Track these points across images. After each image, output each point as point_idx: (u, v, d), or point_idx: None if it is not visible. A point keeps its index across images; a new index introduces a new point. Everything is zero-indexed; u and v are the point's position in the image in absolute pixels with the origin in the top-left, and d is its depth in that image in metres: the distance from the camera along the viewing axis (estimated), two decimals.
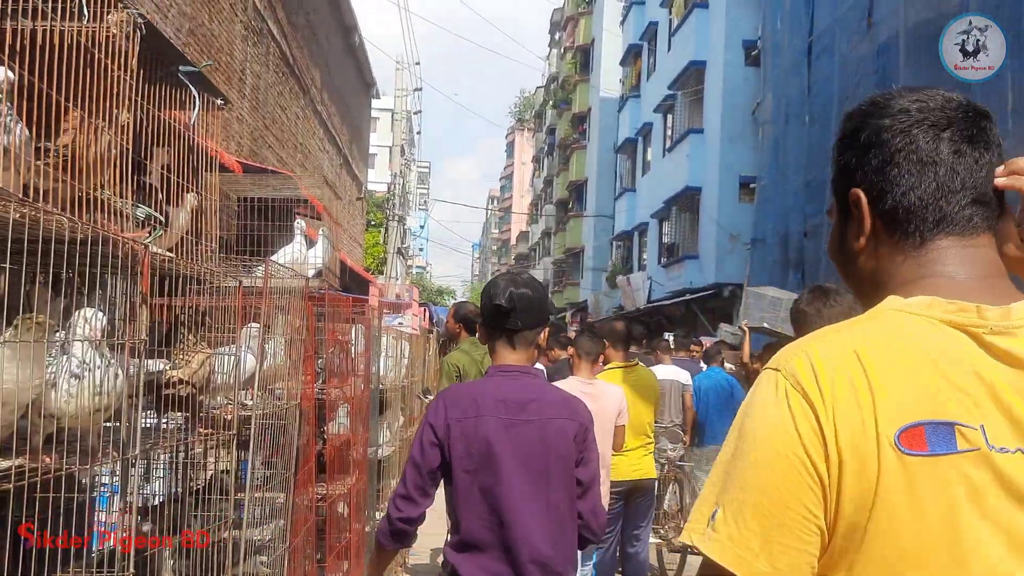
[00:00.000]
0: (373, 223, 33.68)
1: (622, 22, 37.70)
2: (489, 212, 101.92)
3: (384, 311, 9.15)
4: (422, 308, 12.20)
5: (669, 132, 29.14)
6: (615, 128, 38.16)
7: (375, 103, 29.81)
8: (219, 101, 3.03)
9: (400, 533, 2.94)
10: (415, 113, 35.17)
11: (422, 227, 69.08)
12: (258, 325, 3.04)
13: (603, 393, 5.55)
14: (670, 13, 29.00)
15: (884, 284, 1.26)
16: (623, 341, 6.52)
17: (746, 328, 9.68)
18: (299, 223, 4.27)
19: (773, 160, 20.72)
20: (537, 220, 62.77)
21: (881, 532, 1.09)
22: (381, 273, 30.35)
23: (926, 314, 1.17)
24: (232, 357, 2.89)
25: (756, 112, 23.11)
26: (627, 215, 34.17)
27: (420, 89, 33.05)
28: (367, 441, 4.81)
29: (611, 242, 38.24)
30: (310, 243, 4.32)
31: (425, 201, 73.65)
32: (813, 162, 17.85)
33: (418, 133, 40.63)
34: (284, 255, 4.08)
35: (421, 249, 77.47)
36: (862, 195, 1.29)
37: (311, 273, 4.04)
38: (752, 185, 23.17)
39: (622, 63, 37.21)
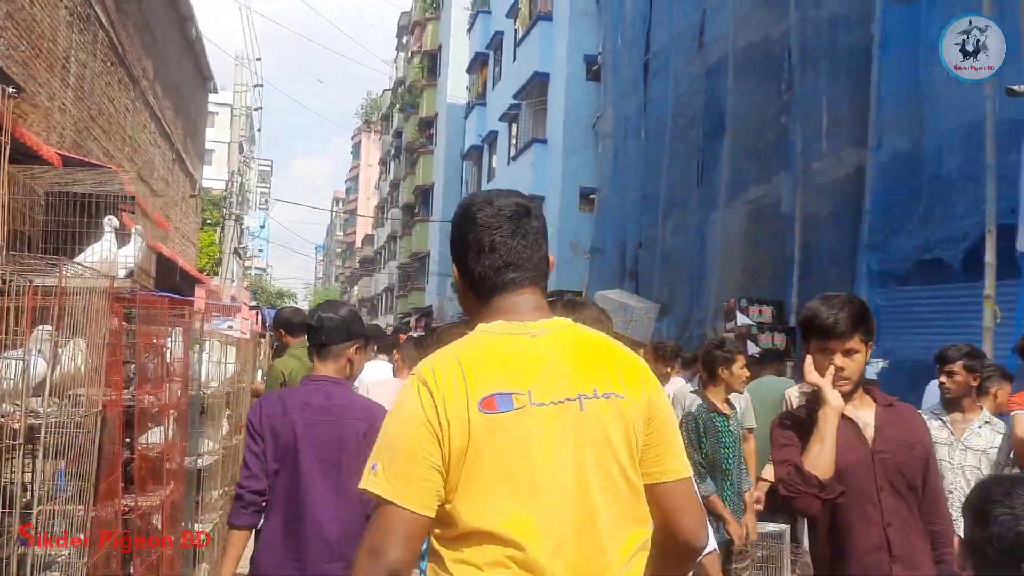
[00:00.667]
0: (209, 222, 32.54)
1: (469, 30, 37.92)
2: (334, 214, 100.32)
3: (212, 314, 8.83)
4: (254, 311, 11.85)
5: (514, 141, 29.52)
6: (462, 134, 38.34)
7: (215, 98, 28.85)
8: (11, 90, 2.85)
9: (249, 504, 3.37)
10: (255, 110, 34.25)
11: (262, 227, 67.28)
12: (50, 327, 2.87)
13: None
14: (515, 24, 29.39)
15: (478, 318, 2.03)
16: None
17: None
18: (109, 220, 4.05)
19: (612, 172, 21.32)
20: (383, 223, 62.26)
21: (475, 464, 1.83)
22: (216, 274, 29.41)
23: (497, 331, 1.97)
24: (20, 361, 2.72)
25: (596, 125, 23.71)
26: None
27: (261, 85, 32.23)
28: (185, 450, 4.63)
29: None
30: (125, 242, 4.12)
31: (266, 200, 71.77)
32: (648, 176, 18.48)
33: (258, 130, 39.58)
34: (92, 253, 3.87)
35: (261, 250, 75.42)
36: (456, 269, 2.10)
37: (122, 273, 3.84)
38: (592, 196, 23.75)
39: (469, 70, 37.43)
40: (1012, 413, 5.16)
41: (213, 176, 38.85)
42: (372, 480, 1.85)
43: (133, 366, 4.04)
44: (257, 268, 78.78)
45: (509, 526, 1.81)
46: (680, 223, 16.91)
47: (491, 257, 2.01)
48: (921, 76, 10.59)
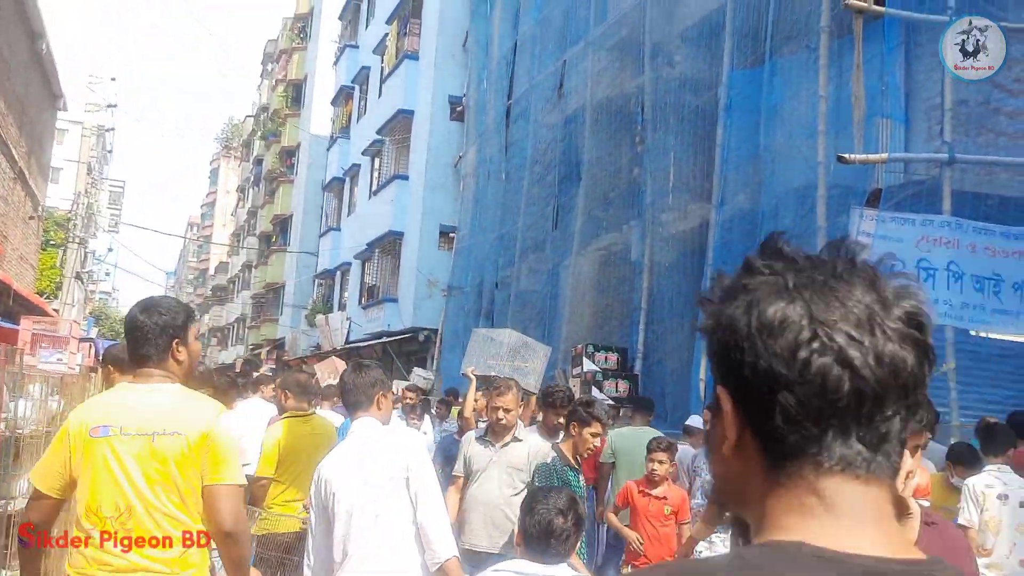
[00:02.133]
0: (52, 243, 30.95)
1: (335, 62, 37.66)
2: (187, 240, 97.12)
3: (41, 345, 8.39)
4: (86, 343, 11.27)
5: (376, 175, 29.38)
6: (324, 166, 37.86)
7: (64, 115, 27.59)
8: None
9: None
10: (107, 131, 32.92)
11: (110, 250, 64.49)
12: None
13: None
14: (382, 61, 29.39)
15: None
16: (305, 392, 6.45)
17: (472, 375, 8.48)
18: None
19: (472, 212, 21.49)
20: (238, 252, 60.65)
21: (83, 473, 3.05)
22: (56, 298, 27.98)
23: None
24: None
25: (458, 165, 23.90)
26: (331, 254, 33.91)
27: (115, 106, 31.01)
28: None
29: (313, 280, 37.73)
30: None
31: (116, 223, 68.89)
32: (506, 218, 18.74)
33: (109, 151, 37.99)
34: None
35: (108, 273, 72.18)
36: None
37: None
38: (451, 234, 23.87)
39: (333, 103, 37.13)
40: None
41: (59, 195, 37.03)
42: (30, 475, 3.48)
43: None
44: (102, 292, 75.24)
45: None
46: (535, 266, 17.19)
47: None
48: (761, 139, 11.19)
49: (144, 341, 3.20)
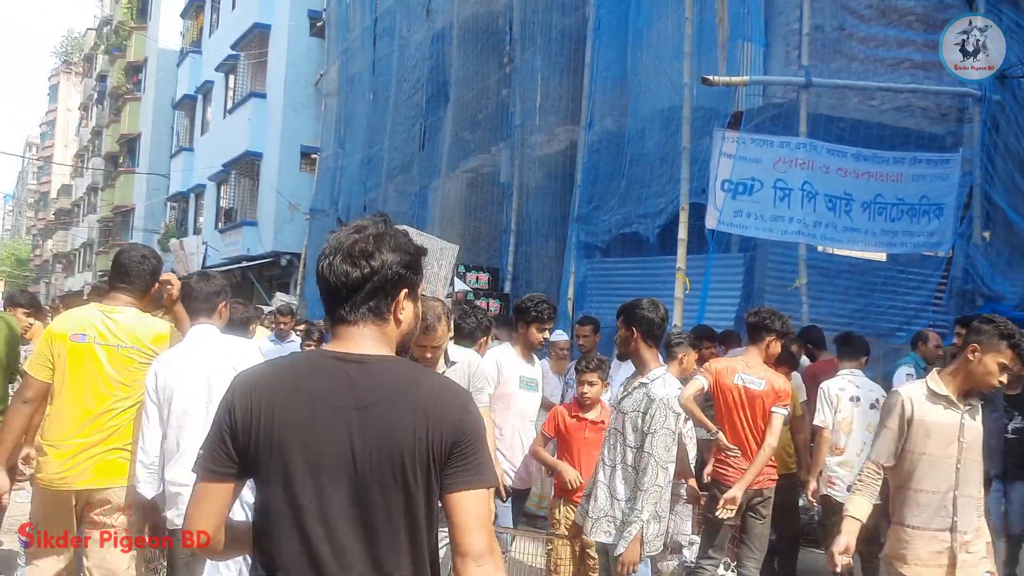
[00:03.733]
0: None
1: None
2: (26, 160, 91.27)
3: None
4: None
5: (231, 93, 28.25)
6: (174, 82, 36.10)
7: None
8: None
9: None
10: None
11: None
12: None
13: None
14: None
15: None
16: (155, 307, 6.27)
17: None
18: None
19: (335, 132, 21.02)
20: (83, 173, 57.45)
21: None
22: None
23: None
24: None
25: (319, 83, 23.24)
26: (183, 175, 32.61)
27: None
28: None
29: (165, 203, 36.25)
30: None
31: None
32: (372, 138, 18.43)
33: None
34: None
35: None
36: None
37: None
38: (313, 156, 23.33)
39: (183, 15, 35.29)
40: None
41: None
42: None
43: None
44: None
45: None
46: (402, 187, 17.03)
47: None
48: (629, 61, 11.33)
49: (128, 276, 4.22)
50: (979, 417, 3.88)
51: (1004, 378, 3.79)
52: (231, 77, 28.26)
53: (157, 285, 4.34)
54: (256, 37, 25.68)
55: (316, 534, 1.92)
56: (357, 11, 20.03)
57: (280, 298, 18.92)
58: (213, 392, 3.92)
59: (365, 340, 2.02)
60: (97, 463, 4.02)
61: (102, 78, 51.11)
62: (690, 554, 6.16)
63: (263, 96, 25.43)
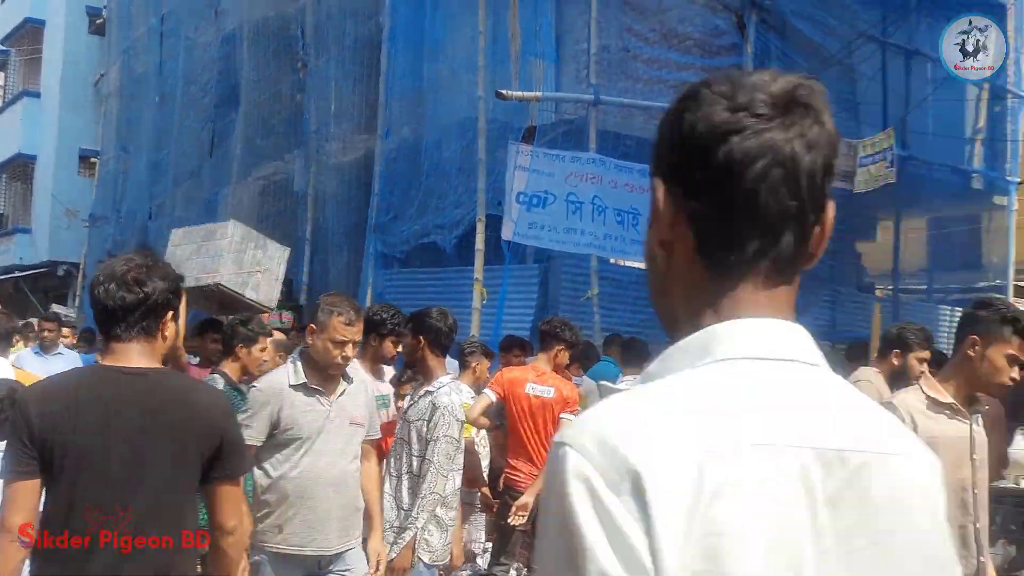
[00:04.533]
0: None
1: None
2: None
3: None
4: None
5: (1, 91, 26.20)
6: None
7: None
8: None
9: None
10: None
11: None
12: None
13: None
14: None
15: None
16: None
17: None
18: None
19: (118, 135, 19.90)
20: None
21: None
22: None
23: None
24: None
25: (99, 83, 21.94)
26: None
27: None
28: None
29: None
30: None
31: None
32: (160, 142, 17.56)
33: None
34: None
35: None
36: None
37: None
38: (93, 159, 22.00)
39: None
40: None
41: None
42: None
43: None
44: None
45: None
46: (191, 194, 16.31)
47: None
48: (425, 71, 11.36)
49: None
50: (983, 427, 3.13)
51: (1016, 373, 2.99)
52: (1, 74, 26.24)
53: None
54: (28, 32, 23.99)
55: (106, 522, 2.29)
56: (140, 9, 19.03)
57: (57, 310, 17.67)
58: None
59: (139, 356, 2.37)
60: None
61: None
62: (483, 562, 6.22)
63: (37, 95, 23.75)
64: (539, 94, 9.69)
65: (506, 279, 9.67)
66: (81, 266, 20.51)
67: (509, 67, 10.12)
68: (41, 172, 23.44)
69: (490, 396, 5.63)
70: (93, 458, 2.29)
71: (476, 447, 5.66)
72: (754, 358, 0.94)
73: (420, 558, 4.19)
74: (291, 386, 3.75)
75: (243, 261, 6.99)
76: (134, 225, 18.27)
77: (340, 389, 3.86)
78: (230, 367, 5.32)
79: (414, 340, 4.42)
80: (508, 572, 5.67)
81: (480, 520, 6.12)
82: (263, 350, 5.48)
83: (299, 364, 3.80)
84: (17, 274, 22.98)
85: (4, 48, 25.07)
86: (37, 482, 2.31)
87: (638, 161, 9.62)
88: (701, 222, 0.97)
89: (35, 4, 23.55)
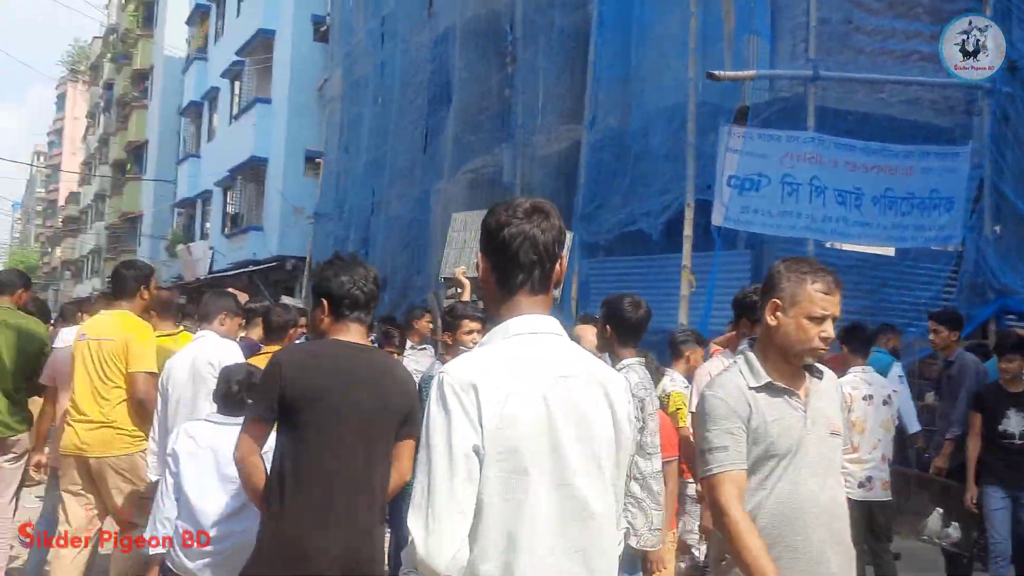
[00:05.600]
0: None
1: None
2: (34, 169, 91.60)
3: None
4: None
5: (236, 99, 28.21)
6: (180, 90, 36.08)
7: None
8: None
9: None
10: None
11: None
12: None
13: None
14: None
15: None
16: (168, 310, 6.20)
17: (465, 277, 7.12)
18: None
19: (340, 137, 20.92)
20: (90, 181, 57.57)
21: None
22: None
23: None
24: None
25: (323, 88, 23.14)
26: (190, 182, 32.56)
27: None
28: None
29: (172, 209, 36.21)
30: None
31: None
32: (377, 142, 18.30)
33: None
34: None
35: None
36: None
37: None
38: (317, 160, 23.22)
39: (188, 22, 35.29)
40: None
41: None
42: None
43: None
44: None
45: None
46: (404, 191, 16.89)
47: None
48: (632, 59, 11.18)
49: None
50: None
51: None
52: (236, 83, 28.23)
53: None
54: (261, 43, 25.64)
55: (331, 466, 3.00)
56: (360, 15, 19.94)
57: (286, 300, 18.80)
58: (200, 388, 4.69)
59: (360, 336, 3.25)
60: None
61: (109, 86, 51.23)
62: (700, 554, 5.99)
63: (268, 102, 25.36)
64: (753, 73, 9.31)
65: (715, 265, 9.34)
66: (307, 260, 21.73)
67: (721, 48, 9.79)
68: (272, 174, 24.99)
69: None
70: (337, 413, 3.01)
71: (692, 438, 5.45)
72: (524, 333, 2.04)
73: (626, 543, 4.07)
74: (751, 388, 2.80)
75: None
76: (354, 221, 19.15)
77: (811, 386, 2.89)
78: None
79: (602, 327, 4.43)
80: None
81: (696, 511, 5.88)
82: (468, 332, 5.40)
83: (751, 357, 2.87)
84: (251, 268, 24.64)
85: (239, 59, 26.90)
86: (268, 428, 3.07)
87: (861, 138, 9.04)
88: (495, 270, 2.09)
89: (267, 15, 25.12)
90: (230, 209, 28.41)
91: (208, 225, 31.23)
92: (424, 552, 1.87)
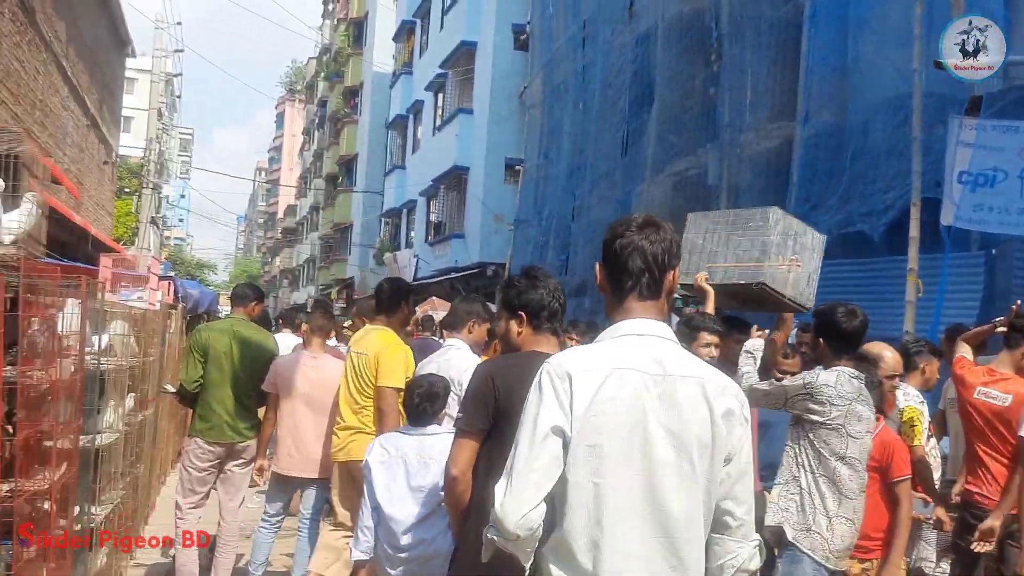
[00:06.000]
0: (128, 191, 31.39)
1: None
2: (256, 184, 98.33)
3: (121, 284, 8.39)
4: (165, 281, 11.31)
5: (439, 111, 29.07)
6: (387, 104, 37.65)
7: (133, 63, 27.67)
8: None
9: None
10: (175, 76, 33.04)
11: (182, 196, 65.49)
12: None
13: (326, 366, 5.99)
14: None
15: None
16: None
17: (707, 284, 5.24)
18: None
19: (539, 143, 21.09)
20: (306, 194, 61.12)
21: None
22: (134, 244, 28.44)
23: None
24: None
25: (523, 95, 23.43)
26: (396, 192, 33.87)
27: (181, 51, 31.11)
28: (78, 429, 4.28)
29: (380, 219, 37.81)
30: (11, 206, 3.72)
31: (187, 170, 69.94)
32: (577, 146, 18.31)
33: (178, 96, 38.23)
34: None
35: (181, 220, 73.51)
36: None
37: (6, 239, 3.45)
38: (517, 167, 23.52)
39: (395, 39, 36.73)
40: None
41: (132, 144, 37.41)
42: None
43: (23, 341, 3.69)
44: (177, 238, 76.76)
45: None
46: (606, 194, 16.79)
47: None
48: (849, 50, 10.59)
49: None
50: None
51: None
52: (439, 95, 29.10)
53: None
54: (463, 55, 26.30)
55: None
56: (561, 21, 20.04)
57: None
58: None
59: (556, 347, 3.27)
60: None
61: (323, 103, 54.18)
62: None
63: (470, 112, 25.98)
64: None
65: (945, 269, 8.65)
66: (507, 266, 22.06)
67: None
68: (473, 182, 25.56)
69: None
70: None
71: (927, 456, 5.04)
72: (631, 334, 2.27)
73: (806, 552, 3.82)
74: None
75: (784, 253, 5.64)
76: (554, 227, 19.23)
77: None
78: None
79: (814, 338, 4.23)
80: None
81: (932, 537, 5.43)
82: (706, 345, 4.94)
83: None
84: (453, 275, 25.29)
85: (442, 71, 27.72)
86: (478, 442, 3.04)
87: None
88: (609, 277, 2.37)
89: (469, 28, 25.75)
90: (433, 218, 29.30)
91: (413, 234, 32.35)
92: (500, 511, 2.13)
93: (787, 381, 4.19)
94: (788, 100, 11.66)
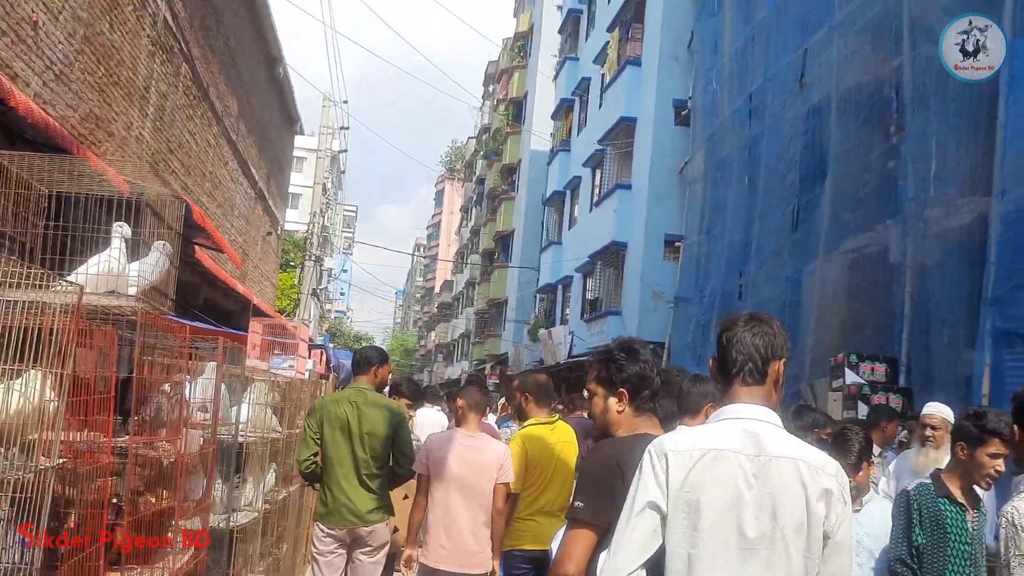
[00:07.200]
0: (292, 264, 32.52)
1: (555, 76, 37.60)
2: (415, 259, 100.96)
3: (274, 352, 8.26)
4: (317, 350, 11.21)
5: (597, 187, 28.87)
6: (544, 181, 37.86)
7: (303, 142, 28.93)
8: None
9: None
10: (340, 152, 34.28)
11: (344, 271, 67.72)
12: None
13: (485, 447, 5.51)
14: (603, 69, 28.89)
15: None
16: (546, 395, 5.82)
17: None
18: (119, 226, 3.36)
19: (700, 219, 20.43)
20: (462, 269, 62.06)
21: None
22: (295, 315, 29.23)
23: None
24: None
25: (684, 171, 22.90)
26: (552, 268, 33.72)
27: (347, 128, 32.27)
28: (208, 507, 3.93)
29: (535, 294, 37.71)
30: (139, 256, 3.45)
31: (350, 244, 72.47)
32: (744, 222, 17.56)
33: (343, 172, 39.64)
34: (90, 266, 3.19)
35: (343, 293, 76.02)
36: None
37: (131, 291, 3.16)
38: (677, 244, 22.89)
39: (554, 116, 37.04)
40: None
41: (299, 219, 38.98)
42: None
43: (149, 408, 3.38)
44: (338, 311, 79.33)
45: None
46: (773, 272, 15.90)
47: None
48: None
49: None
50: None
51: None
52: (597, 172, 28.93)
53: None
54: (622, 130, 26.08)
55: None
56: (725, 96, 19.50)
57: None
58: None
59: (658, 428, 3.09)
60: None
61: (480, 181, 55.18)
62: None
63: (628, 187, 25.62)
64: None
65: None
66: (666, 345, 21.28)
67: None
68: (631, 258, 25.05)
69: None
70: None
71: None
72: (733, 418, 2.46)
73: None
74: None
75: None
76: (717, 305, 18.41)
77: None
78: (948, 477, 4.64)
79: (1011, 429, 3.97)
80: None
81: None
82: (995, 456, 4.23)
83: None
84: None
85: (601, 147, 27.56)
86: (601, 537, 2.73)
87: None
88: (718, 366, 2.60)
89: (629, 104, 25.54)
90: (589, 295, 28.88)
91: (568, 310, 31.99)
92: (601, 573, 2.39)
93: None
94: (980, 173, 10.64)
